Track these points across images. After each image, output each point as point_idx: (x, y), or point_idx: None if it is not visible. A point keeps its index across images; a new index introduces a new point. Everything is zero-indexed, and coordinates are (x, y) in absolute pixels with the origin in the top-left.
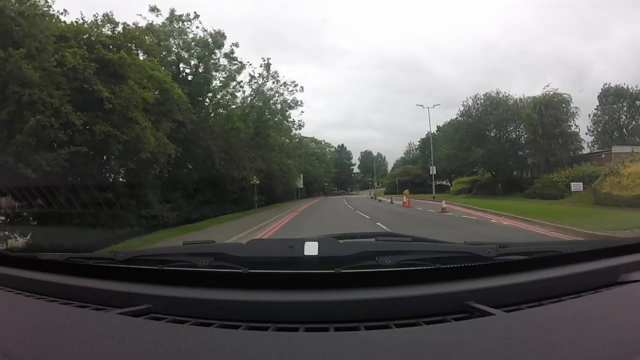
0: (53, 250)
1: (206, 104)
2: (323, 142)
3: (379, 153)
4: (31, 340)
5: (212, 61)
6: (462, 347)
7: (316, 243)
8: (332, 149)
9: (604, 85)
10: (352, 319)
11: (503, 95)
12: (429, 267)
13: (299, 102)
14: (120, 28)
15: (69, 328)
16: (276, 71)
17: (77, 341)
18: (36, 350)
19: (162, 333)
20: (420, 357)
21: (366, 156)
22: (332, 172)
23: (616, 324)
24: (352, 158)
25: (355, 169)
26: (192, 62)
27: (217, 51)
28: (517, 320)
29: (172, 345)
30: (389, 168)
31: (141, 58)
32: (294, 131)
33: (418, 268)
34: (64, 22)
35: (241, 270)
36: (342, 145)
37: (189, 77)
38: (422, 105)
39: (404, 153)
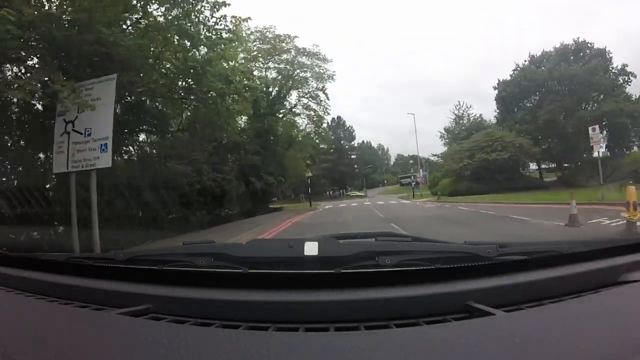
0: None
1: None
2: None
3: (380, 144)
4: (31, 340)
5: None
6: (462, 347)
7: (316, 243)
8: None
9: None
10: (352, 319)
11: None
12: (429, 267)
13: None
14: None
15: (69, 328)
16: None
17: (77, 341)
18: (36, 350)
19: (162, 333)
20: (420, 357)
21: (365, 148)
22: (328, 153)
23: (616, 324)
24: (354, 138)
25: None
26: None
27: None
28: (517, 320)
29: (172, 345)
30: (392, 162)
31: None
32: None
33: (418, 268)
34: None
35: (241, 270)
36: (339, 117)
37: None
38: None
39: (451, 122)
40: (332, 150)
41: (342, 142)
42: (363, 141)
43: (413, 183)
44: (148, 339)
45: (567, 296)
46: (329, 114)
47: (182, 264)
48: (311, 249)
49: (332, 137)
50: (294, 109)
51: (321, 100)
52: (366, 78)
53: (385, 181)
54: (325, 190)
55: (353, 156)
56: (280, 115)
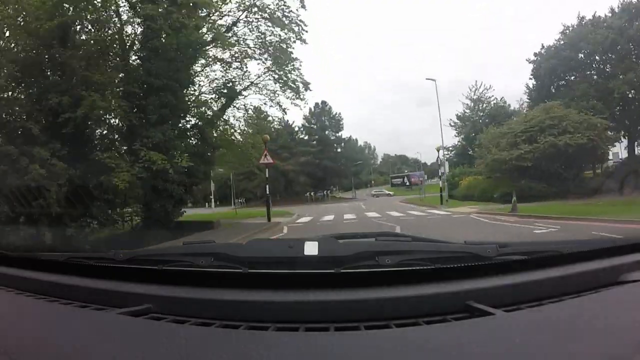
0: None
1: None
2: None
3: (366, 142)
4: (31, 340)
5: None
6: (462, 347)
7: (316, 243)
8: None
9: None
10: (352, 319)
11: None
12: (429, 267)
13: None
14: None
15: (69, 328)
16: None
17: (77, 341)
18: (36, 350)
19: (162, 333)
20: (420, 357)
21: (350, 146)
22: (310, 145)
23: (616, 324)
24: (342, 129)
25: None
26: None
27: None
28: (517, 320)
29: (172, 345)
30: (379, 161)
31: None
32: None
33: (418, 268)
34: None
35: (241, 270)
36: (324, 102)
37: None
38: None
39: (465, 108)
40: (314, 142)
41: (326, 132)
42: (350, 136)
43: (442, 181)
44: (148, 339)
45: (567, 296)
46: (304, 41)
47: (182, 264)
48: (311, 248)
49: (315, 126)
50: (236, 31)
51: (290, 11)
52: (351, 77)
53: (373, 181)
54: (306, 190)
55: (339, 150)
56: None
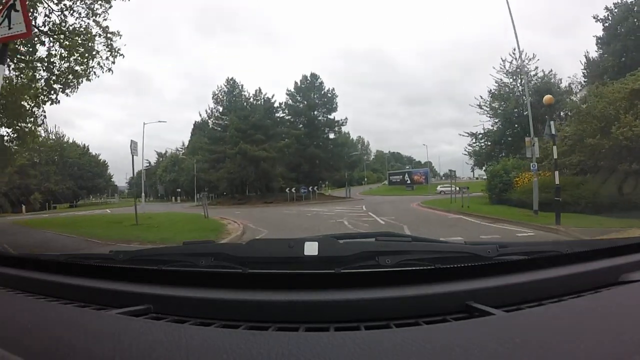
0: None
1: None
2: None
3: (360, 137)
4: (31, 340)
5: None
6: (462, 347)
7: (316, 243)
8: None
9: None
10: (352, 319)
11: None
12: (429, 267)
13: None
14: None
15: (69, 328)
16: None
17: (76, 341)
18: (36, 350)
19: (162, 333)
20: (420, 357)
21: (341, 140)
22: (293, 126)
23: (616, 324)
24: (335, 110)
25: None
26: None
27: None
28: (517, 320)
29: (172, 345)
30: (372, 157)
31: None
32: None
33: (418, 268)
34: None
35: (241, 270)
36: (314, 75)
37: None
38: None
39: (499, 81)
40: (301, 125)
41: (315, 112)
42: (346, 119)
43: (535, 173)
44: (148, 339)
45: (567, 296)
46: None
47: (182, 264)
48: (311, 248)
49: (302, 104)
50: None
51: None
52: (340, 73)
53: (366, 179)
54: (287, 185)
55: (332, 135)
56: None
